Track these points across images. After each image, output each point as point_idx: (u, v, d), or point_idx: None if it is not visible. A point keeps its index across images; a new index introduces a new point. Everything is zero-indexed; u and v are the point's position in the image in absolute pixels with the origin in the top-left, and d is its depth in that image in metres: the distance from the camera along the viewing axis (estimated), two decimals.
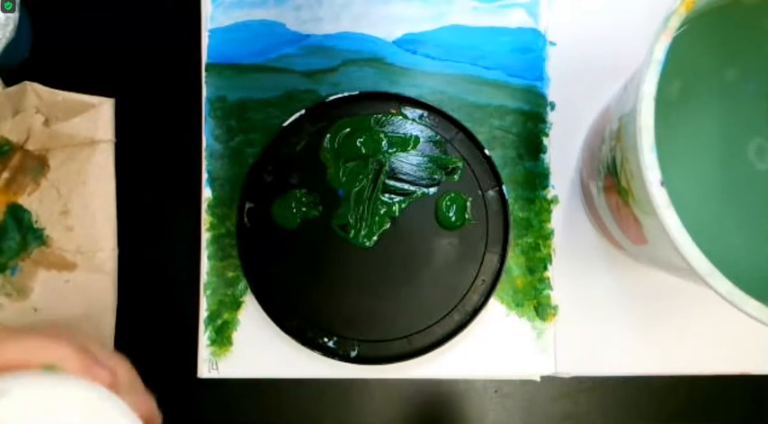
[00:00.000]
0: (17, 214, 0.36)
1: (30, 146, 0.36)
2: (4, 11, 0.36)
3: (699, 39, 0.29)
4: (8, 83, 0.36)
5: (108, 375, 0.24)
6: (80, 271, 0.36)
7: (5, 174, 0.36)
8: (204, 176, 0.37)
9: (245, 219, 0.36)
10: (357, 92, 0.36)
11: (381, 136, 0.37)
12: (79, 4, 0.39)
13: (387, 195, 0.36)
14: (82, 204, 0.36)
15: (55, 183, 0.37)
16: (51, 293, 0.36)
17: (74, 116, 0.36)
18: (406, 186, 0.36)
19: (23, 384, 0.23)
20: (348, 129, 0.37)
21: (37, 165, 0.37)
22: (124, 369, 0.26)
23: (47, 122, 0.36)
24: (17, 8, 0.36)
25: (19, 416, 0.23)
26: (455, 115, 0.36)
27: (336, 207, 0.36)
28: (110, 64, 0.38)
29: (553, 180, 0.37)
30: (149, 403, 0.26)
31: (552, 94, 0.38)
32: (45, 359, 0.24)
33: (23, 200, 0.37)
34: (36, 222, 0.36)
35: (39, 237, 0.36)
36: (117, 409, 0.23)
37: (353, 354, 0.35)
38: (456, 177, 0.36)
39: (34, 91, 0.36)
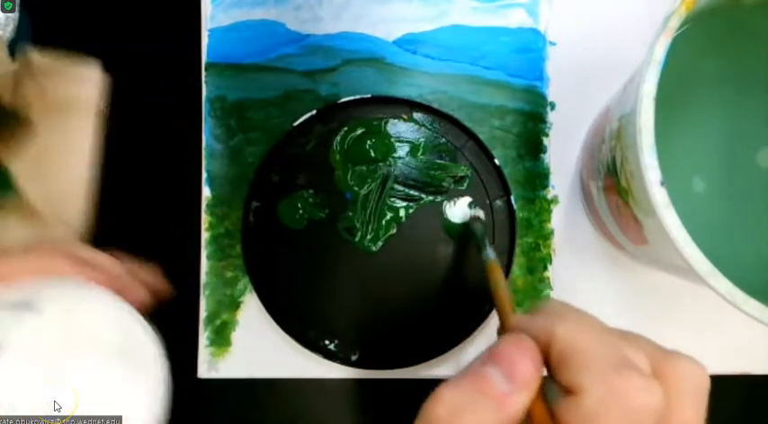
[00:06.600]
0: None
1: (15, 102, 0.36)
2: (4, 11, 0.36)
3: (699, 39, 0.29)
4: None
5: (99, 275, 0.26)
6: (46, 223, 0.36)
7: None
8: (204, 176, 0.37)
9: (251, 218, 0.36)
10: (369, 96, 0.36)
11: (391, 140, 0.36)
12: (79, 5, 0.39)
13: (394, 200, 0.36)
14: (59, 161, 0.37)
15: (36, 139, 0.36)
16: (16, 242, 0.36)
17: (65, 79, 0.37)
18: (413, 192, 0.36)
19: (50, 297, 0.25)
20: (358, 132, 0.36)
21: (20, 121, 0.36)
22: (111, 262, 0.27)
23: (38, 83, 0.36)
24: (17, 8, 0.36)
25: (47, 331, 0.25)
26: (455, 115, 0.36)
27: (343, 210, 0.36)
28: (109, 64, 0.38)
29: (553, 180, 0.37)
30: (152, 282, 0.28)
31: (552, 94, 0.38)
32: (39, 268, 0.25)
33: (2, 152, 0.37)
34: (10, 172, 0.36)
35: (9, 187, 0.36)
36: (138, 322, 0.26)
37: (354, 358, 0.35)
38: (464, 185, 0.36)
39: (30, 57, 0.36)
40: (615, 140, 0.27)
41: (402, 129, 0.36)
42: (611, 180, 0.29)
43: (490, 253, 0.29)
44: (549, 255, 0.37)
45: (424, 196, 0.36)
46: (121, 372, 0.28)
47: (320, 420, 0.37)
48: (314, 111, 0.36)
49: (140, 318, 0.27)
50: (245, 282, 0.36)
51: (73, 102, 0.37)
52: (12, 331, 0.25)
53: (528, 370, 0.18)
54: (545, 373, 0.19)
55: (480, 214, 0.35)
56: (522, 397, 0.18)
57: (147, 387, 0.27)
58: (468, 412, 0.18)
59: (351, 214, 0.36)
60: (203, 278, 0.37)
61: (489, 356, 0.19)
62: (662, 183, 0.23)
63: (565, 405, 0.18)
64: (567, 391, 0.18)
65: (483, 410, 0.18)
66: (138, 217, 0.37)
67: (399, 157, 0.36)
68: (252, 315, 0.36)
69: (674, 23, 0.24)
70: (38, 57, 0.36)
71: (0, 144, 0.37)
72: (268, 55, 0.38)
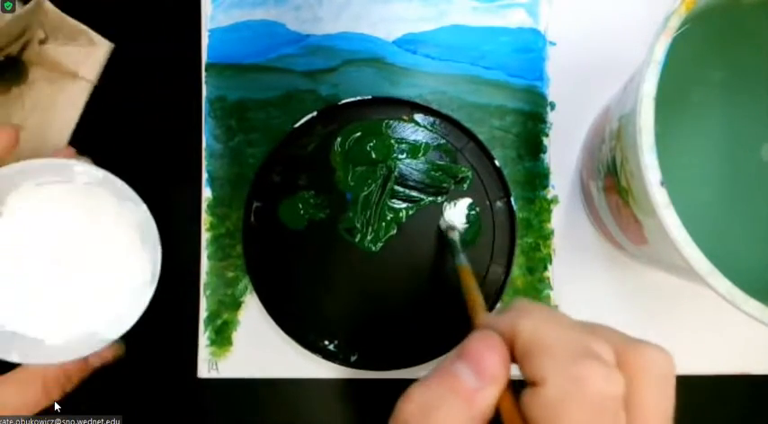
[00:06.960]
0: None
1: (16, 53, 0.36)
2: (4, 11, 0.36)
3: (699, 39, 0.29)
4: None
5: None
6: None
7: None
8: (204, 176, 0.37)
9: (252, 218, 0.36)
10: (370, 97, 0.36)
11: (392, 141, 0.36)
12: (79, 4, 0.39)
13: (394, 201, 0.36)
14: (39, 126, 0.36)
15: (24, 96, 0.36)
16: None
17: (71, 44, 0.36)
18: (414, 193, 0.36)
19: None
20: (359, 133, 0.36)
21: (15, 73, 0.36)
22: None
23: (44, 40, 0.36)
24: (17, 8, 0.36)
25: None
26: (455, 115, 0.36)
27: (343, 211, 0.36)
28: (110, 64, 0.38)
29: (553, 180, 0.37)
30: None
31: (552, 94, 0.38)
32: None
33: None
34: None
35: None
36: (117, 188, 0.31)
37: (353, 359, 0.35)
38: (465, 186, 0.36)
39: (44, 7, 0.36)
40: (615, 140, 0.27)
41: (403, 130, 0.36)
42: (611, 180, 0.29)
43: (462, 259, 0.31)
44: (549, 255, 0.37)
45: (424, 197, 0.36)
46: (120, 238, 0.32)
47: (320, 420, 0.37)
48: (315, 113, 0.36)
49: (115, 179, 0.31)
50: (245, 282, 0.37)
51: (73, 75, 0.37)
52: None
53: (495, 365, 0.19)
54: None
55: (456, 223, 0.36)
56: (490, 392, 0.18)
57: (144, 247, 0.31)
58: (438, 409, 0.18)
59: (351, 215, 0.36)
60: (204, 277, 0.37)
61: (458, 353, 0.19)
62: (662, 183, 0.23)
63: (529, 396, 0.18)
64: (532, 383, 0.18)
65: (453, 406, 0.18)
66: None
67: (400, 158, 0.36)
68: (253, 315, 0.36)
69: (674, 23, 0.24)
70: (50, 7, 0.36)
71: None
72: (268, 55, 0.38)
